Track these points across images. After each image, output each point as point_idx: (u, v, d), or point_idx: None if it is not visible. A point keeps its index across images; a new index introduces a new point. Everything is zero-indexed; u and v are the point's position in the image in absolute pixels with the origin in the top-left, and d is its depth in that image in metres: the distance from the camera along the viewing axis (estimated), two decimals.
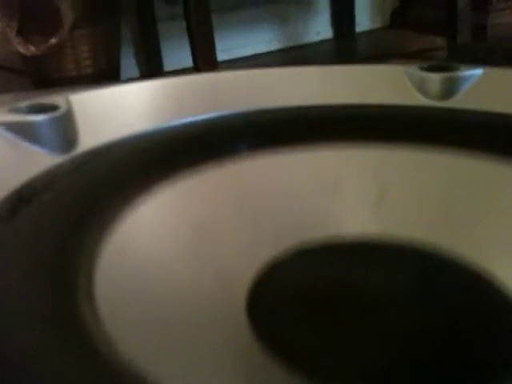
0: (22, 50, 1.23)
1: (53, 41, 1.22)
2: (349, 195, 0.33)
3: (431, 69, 0.35)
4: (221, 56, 1.26)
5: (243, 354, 0.23)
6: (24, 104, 0.29)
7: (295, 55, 1.49)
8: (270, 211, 0.31)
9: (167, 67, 1.45)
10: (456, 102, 0.34)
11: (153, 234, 0.26)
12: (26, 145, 0.28)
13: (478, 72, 0.35)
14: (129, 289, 0.22)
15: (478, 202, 0.31)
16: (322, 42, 1.61)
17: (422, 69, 0.35)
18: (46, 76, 1.29)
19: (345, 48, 1.54)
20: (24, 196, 0.25)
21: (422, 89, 0.35)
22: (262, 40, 1.55)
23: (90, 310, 0.19)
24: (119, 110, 0.32)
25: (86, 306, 0.19)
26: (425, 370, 0.24)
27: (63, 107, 0.29)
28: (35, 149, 0.28)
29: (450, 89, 0.34)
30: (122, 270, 0.23)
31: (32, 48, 1.23)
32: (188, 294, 0.24)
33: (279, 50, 1.55)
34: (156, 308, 0.23)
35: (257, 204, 0.31)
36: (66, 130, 0.29)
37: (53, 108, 0.29)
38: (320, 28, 1.62)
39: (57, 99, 0.29)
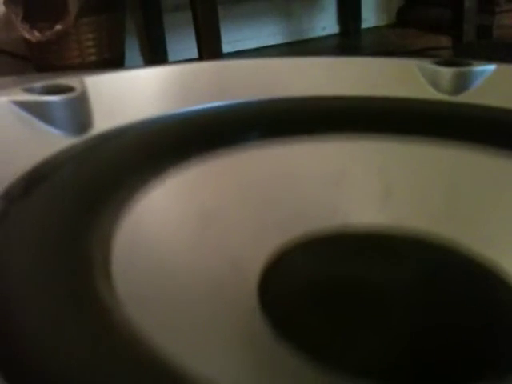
0: (27, 35, 1.23)
1: (58, 28, 1.22)
2: (356, 187, 0.33)
3: (443, 63, 0.35)
4: (226, 48, 1.26)
5: (254, 336, 0.23)
6: (39, 84, 0.29)
7: (300, 50, 1.49)
8: (279, 200, 0.31)
9: (171, 58, 1.45)
10: (467, 97, 0.34)
11: (165, 216, 0.26)
12: (40, 125, 0.28)
13: (490, 68, 0.35)
14: (143, 268, 0.23)
15: (484, 195, 0.31)
16: (327, 37, 1.61)
17: (434, 63, 0.35)
18: (50, 63, 1.29)
19: (350, 44, 1.54)
20: (38, 176, 0.25)
21: (434, 83, 0.35)
22: (268, 33, 1.55)
23: (105, 287, 0.19)
24: (134, 94, 0.32)
25: (102, 282, 0.19)
26: (430, 357, 0.24)
27: (78, 89, 0.29)
28: (49, 129, 0.28)
29: (461, 84, 0.35)
30: (136, 250, 0.23)
31: (37, 34, 1.23)
32: (200, 275, 0.24)
33: (284, 44, 1.55)
34: (169, 287, 0.23)
35: (266, 193, 0.31)
36: (80, 111, 0.29)
37: (68, 89, 0.29)
38: (326, 23, 1.62)
39: (72, 81, 0.29)
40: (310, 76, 0.37)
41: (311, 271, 0.28)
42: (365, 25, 1.63)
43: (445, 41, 1.34)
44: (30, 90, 0.29)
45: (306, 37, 1.59)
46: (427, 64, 0.36)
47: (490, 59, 0.36)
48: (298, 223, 0.30)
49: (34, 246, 0.21)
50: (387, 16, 1.68)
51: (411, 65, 0.36)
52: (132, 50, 1.42)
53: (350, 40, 1.57)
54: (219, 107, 0.32)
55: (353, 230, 0.31)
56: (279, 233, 0.29)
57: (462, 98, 0.34)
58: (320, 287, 0.27)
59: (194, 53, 1.23)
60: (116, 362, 0.17)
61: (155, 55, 1.44)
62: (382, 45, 1.47)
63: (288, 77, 0.36)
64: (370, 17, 1.66)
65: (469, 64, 0.35)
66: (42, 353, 0.16)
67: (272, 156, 0.32)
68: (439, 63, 0.35)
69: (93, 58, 1.30)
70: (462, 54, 1.18)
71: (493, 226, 0.29)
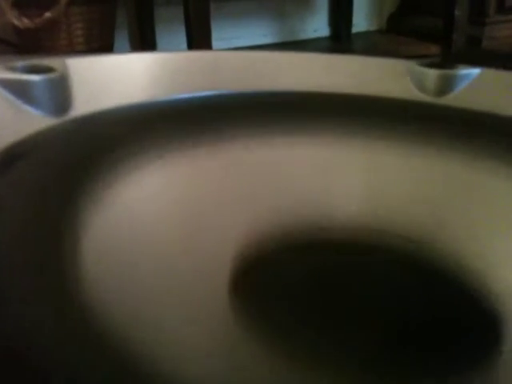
0: (15, 22, 1.22)
1: (47, 15, 1.21)
2: (339, 187, 0.33)
3: (430, 65, 0.35)
4: (215, 45, 1.26)
5: (221, 318, 0.23)
6: (21, 64, 0.28)
7: (290, 51, 1.49)
8: (260, 195, 0.31)
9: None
10: (451, 100, 0.34)
11: (141, 203, 0.26)
12: (20, 104, 0.27)
13: (475, 72, 0.35)
14: (116, 249, 0.22)
15: (462, 199, 0.31)
16: (318, 39, 1.61)
17: (421, 64, 0.35)
18: (38, 51, 1.27)
19: (340, 48, 1.54)
20: (15, 154, 0.25)
21: (420, 84, 0.35)
22: (259, 33, 1.54)
23: (74, 263, 0.19)
24: (116, 78, 0.31)
25: (70, 261, 0.19)
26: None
27: (60, 70, 0.29)
28: (29, 109, 0.27)
29: (446, 86, 0.35)
30: (110, 232, 0.23)
31: (26, 21, 1.22)
32: (171, 258, 0.24)
33: (275, 45, 1.55)
34: (137, 269, 0.22)
35: (247, 186, 0.31)
36: (60, 92, 0.29)
37: (49, 70, 0.28)
38: (317, 26, 1.62)
39: (54, 62, 0.29)
40: (298, 70, 0.37)
41: (283, 267, 0.28)
42: (355, 29, 1.63)
43: (434, 49, 1.34)
44: (11, 69, 0.28)
45: (296, 38, 1.59)
46: (414, 65, 0.36)
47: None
48: (276, 220, 0.30)
49: (9, 218, 0.21)
50: (378, 22, 1.69)
51: (399, 65, 0.36)
52: (121, 41, 1.41)
53: (340, 43, 1.57)
54: (201, 97, 0.32)
55: (333, 232, 0.31)
56: (256, 227, 0.28)
57: (446, 100, 0.34)
58: (291, 282, 0.27)
59: (183, 48, 1.23)
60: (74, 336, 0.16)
61: (144, 48, 1.43)
62: (371, 50, 1.47)
63: (276, 70, 0.36)
64: (361, 22, 1.66)
65: (454, 67, 0.35)
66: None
67: (256, 150, 0.32)
68: (426, 65, 0.36)
69: (81, 48, 1.29)
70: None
71: (468, 230, 0.29)
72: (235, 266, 0.26)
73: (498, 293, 0.27)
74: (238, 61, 0.34)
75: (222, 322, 0.24)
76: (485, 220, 0.29)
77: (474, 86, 0.35)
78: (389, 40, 1.57)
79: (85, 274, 0.20)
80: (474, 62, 0.37)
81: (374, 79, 0.35)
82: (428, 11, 1.49)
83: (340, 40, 1.59)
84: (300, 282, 0.27)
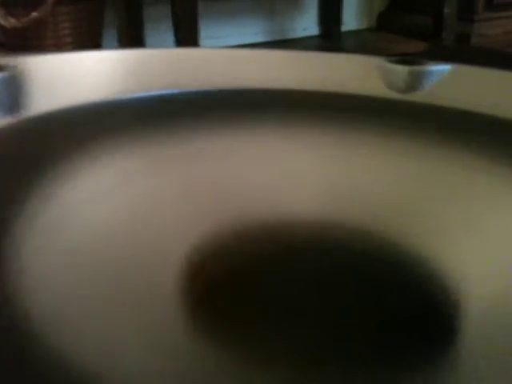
0: (2, 21, 1.21)
1: (34, 15, 1.20)
2: (303, 184, 0.32)
3: (398, 62, 0.35)
4: (206, 43, 1.25)
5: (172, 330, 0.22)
6: None
7: (280, 49, 1.48)
8: (218, 193, 0.30)
9: None
10: (421, 97, 0.34)
11: (92, 203, 0.25)
12: None
13: (445, 68, 0.34)
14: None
15: (426, 193, 0.31)
16: (307, 38, 1.60)
17: (390, 61, 0.35)
18: (25, 50, 1.27)
19: (330, 46, 1.53)
20: None
21: (388, 80, 0.34)
22: (248, 32, 1.54)
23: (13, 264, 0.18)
24: (73, 77, 0.31)
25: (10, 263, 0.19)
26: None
27: (13, 68, 0.28)
28: None
29: (415, 82, 0.34)
30: (57, 233, 0.22)
31: (12, 20, 1.21)
32: (121, 260, 0.23)
33: (264, 43, 1.55)
34: (83, 272, 0.22)
35: (204, 185, 0.30)
36: (13, 91, 0.28)
37: (1, 69, 0.28)
38: (307, 25, 1.61)
39: (7, 60, 0.28)
40: (263, 68, 0.36)
41: (236, 262, 0.27)
42: (345, 28, 1.63)
43: (424, 47, 1.34)
44: None
45: (286, 37, 1.59)
46: (382, 62, 0.35)
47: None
48: (235, 215, 0.29)
49: None
50: (368, 20, 1.68)
51: (367, 62, 0.35)
52: (110, 41, 1.40)
53: (330, 42, 1.57)
54: (160, 96, 0.31)
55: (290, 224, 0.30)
56: (212, 224, 0.28)
57: (414, 97, 0.33)
58: (242, 278, 0.26)
59: (171, 46, 1.22)
60: None
61: (133, 47, 1.42)
62: (361, 48, 1.47)
63: (242, 68, 0.36)
64: (351, 20, 1.66)
65: (423, 63, 0.34)
66: None
67: (217, 146, 0.31)
68: (395, 61, 0.35)
69: (69, 47, 1.29)
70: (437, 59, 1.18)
71: (433, 224, 0.29)
72: (191, 265, 0.26)
73: (465, 289, 0.26)
74: (201, 58, 0.34)
75: (177, 328, 0.23)
76: (454, 216, 0.29)
77: (446, 82, 0.34)
78: (378, 38, 1.56)
79: (23, 274, 0.19)
80: (463, 60, 0.37)
81: (341, 76, 0.34)
82: (417, 9, 1.48)
83: (330, 38, 1.59)
84: (260, 280, 0.27)
